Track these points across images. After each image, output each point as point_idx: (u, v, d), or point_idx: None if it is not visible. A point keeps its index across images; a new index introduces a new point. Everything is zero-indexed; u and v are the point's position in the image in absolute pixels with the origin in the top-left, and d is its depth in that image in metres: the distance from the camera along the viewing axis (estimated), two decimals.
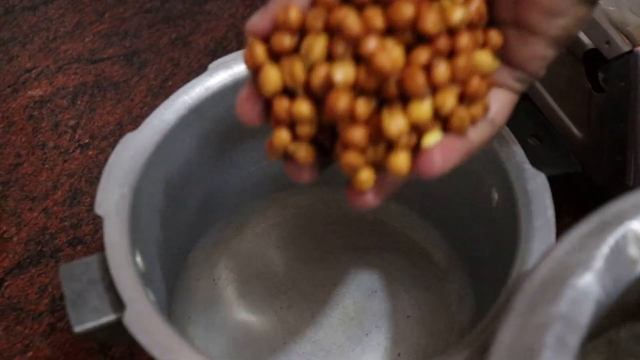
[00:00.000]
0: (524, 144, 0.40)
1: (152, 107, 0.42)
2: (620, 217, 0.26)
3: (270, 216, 0.52)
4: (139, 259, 0.37)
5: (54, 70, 0.64)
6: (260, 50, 0.28)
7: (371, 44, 0.26)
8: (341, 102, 0.27)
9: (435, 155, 0.28)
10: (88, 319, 0.34)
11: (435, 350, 0.44)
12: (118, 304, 0.34)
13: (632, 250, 0.26)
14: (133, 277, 0.35)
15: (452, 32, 0.27)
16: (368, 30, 0.26)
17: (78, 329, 0.34)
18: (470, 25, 0.28)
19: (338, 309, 0.47)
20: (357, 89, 0.27)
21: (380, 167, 0.29)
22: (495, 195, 0.41)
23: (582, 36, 0.45)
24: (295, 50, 0.28)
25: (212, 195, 0.48)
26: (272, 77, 0.27)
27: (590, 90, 0.46)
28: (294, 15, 0.27)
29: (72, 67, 0.64)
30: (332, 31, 0.27)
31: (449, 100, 0.28)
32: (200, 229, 0.49)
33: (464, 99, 0.28)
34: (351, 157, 0.28)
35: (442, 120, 0.28)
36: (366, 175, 0.29)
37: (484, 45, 0.29)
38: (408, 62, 0.27)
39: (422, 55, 0.27)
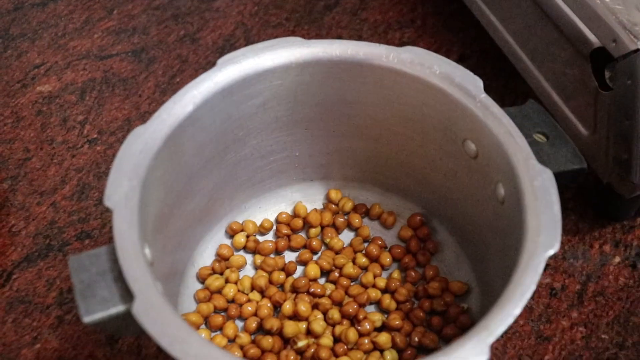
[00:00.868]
0: (531, 140, 0.41)
1: (159, 103, 0.43)
2: None
3: (278, 212, 0.52)
4: (147, 250, 0.37)
5: (62, 66, 0.64)
6: None
7: None
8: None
9: None
10: (97, 310, 0.35)
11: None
12: (127, 294, 0.35)
13: None
14: (142, 268, 0.35)
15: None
16: None
17: (87, 319, 0.34)
18: None
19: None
20: None
21: None
22: (502, 191, 0.41)
23: (589, 34, 0.45)
24: None
25: (220, 189, 0.48)
26: None
27: (596, 89, 0.46)
28: None
29: (80, 63, 0.65)
30: None
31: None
32: (208, 223, 0.49)
33: None
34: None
35: None
36: None
37: None
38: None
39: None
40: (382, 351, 0.45)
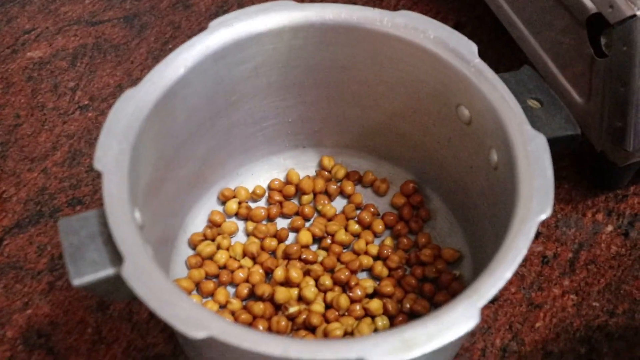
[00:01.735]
0: (525, 106, 0.40)
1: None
2: None
3: (270, 178, 0.52)
4: (137, 214, 0.37)
5: (53, 32, 0.63)
6: None
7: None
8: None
9: None
10: (86, 272, 0.34)
11: None
12: (117, 257, 0.34)
13: None
14: (132, 231, 0.35)
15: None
16: None
17: (76, 282, 0.34)
18: None
19: None
20: None
21: None
22: (495, 157, 0.41)
23: (586, 0, 0.45)
24: None
25: (212, 155, 0.48)
26: None
27: (592, 56, 0.46)
28: None
29: (71, 28, 0.64)
30: None
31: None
32: (200, 189, 0.49)
33: None
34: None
35: None
36: None
37: None
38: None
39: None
40: (373, 317, 0.45)
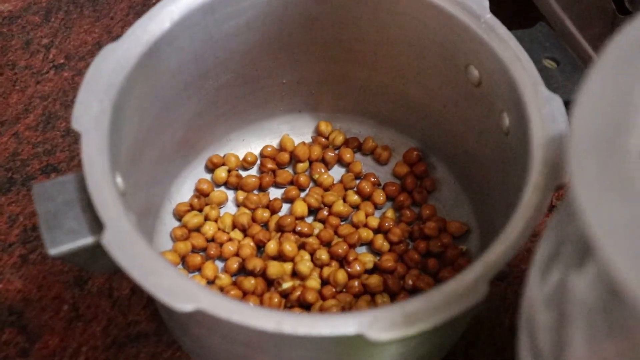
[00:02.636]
0: (540, 66, 0.41)
1: None
2: None
3: (262, 145, 0.52)
4: (119, 179, 0.37)
5: None
6: None
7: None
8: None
9: None
10: (64, 241, 0.35)
11: None
12: (96, 225, 0.35)
13: None
14: (113, 197, 0.35)
15: None
16: None
17: (53, 251, 0.35)
18: None
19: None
20: None
21: None
22: (507, 121, 0.41)
23: None
24: None
25: (200, 118, 0.48)
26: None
27: (614, 13, 0.46)
28: None
29: None
30: None
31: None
32: (187, 155, 0.50)
33: None
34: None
35: None
36: None
37: None
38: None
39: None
40: (373, 295, 0.45)
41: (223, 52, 0.46)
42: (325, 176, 0.50)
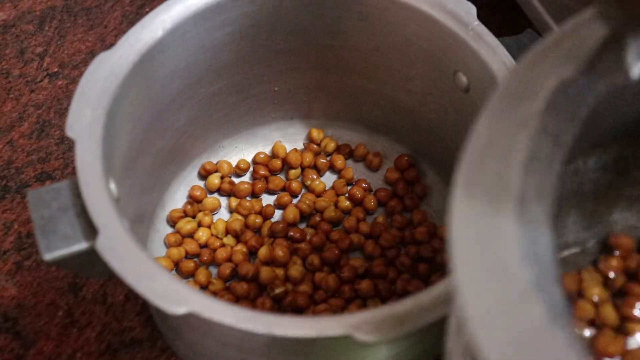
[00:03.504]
0: None
1: None
2: None
3: (255, 151, 0.53)
4: (113, 186, 0.38)
5: None
6: None
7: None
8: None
9: None
10: (58, 247, 0.35)
11: None
12: (90, 230, 0.36)
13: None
14: (106, 203, 0.36)
15: None
16: None
17: (48, 257, 0.35)
18: None
19: None
20: None
21: None
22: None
23: None
24: None
25: (193, 126, 0.49)
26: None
27: None
28: None
29: None
30: None
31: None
32: (180, 162, 0.50)
33: None
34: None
35: None
36: None
37: None
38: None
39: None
40: (364, 299, 0.46)
41: (215, 60, 0.47)
42: (317, 182, 0.51)
